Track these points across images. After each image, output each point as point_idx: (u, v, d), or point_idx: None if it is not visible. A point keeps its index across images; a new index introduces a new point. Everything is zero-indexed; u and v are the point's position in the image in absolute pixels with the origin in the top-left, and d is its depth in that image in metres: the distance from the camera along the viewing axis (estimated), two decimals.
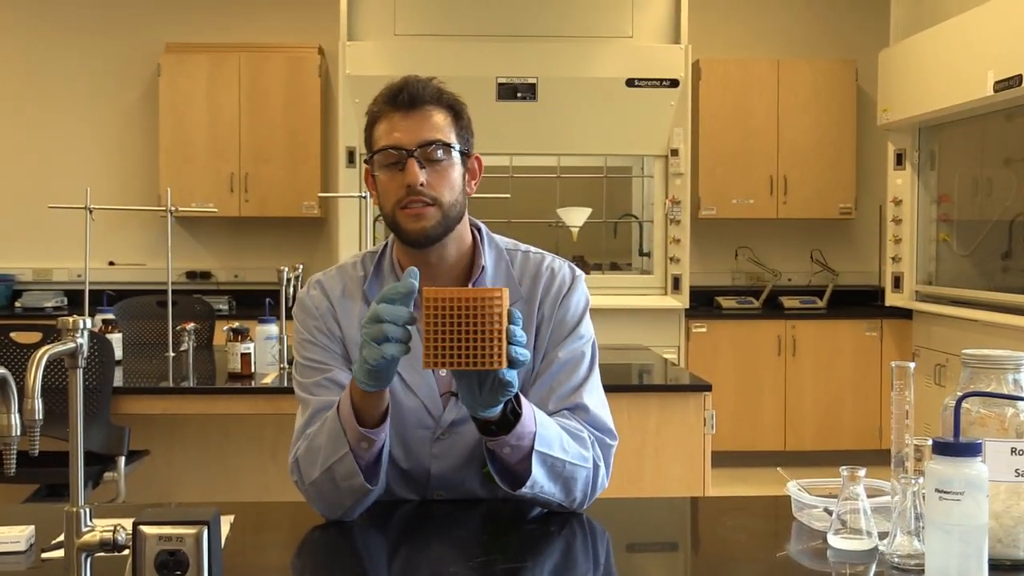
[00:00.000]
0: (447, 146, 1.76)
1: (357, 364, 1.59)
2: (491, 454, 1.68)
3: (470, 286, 1.84)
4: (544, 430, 1.67)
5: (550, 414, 1.77)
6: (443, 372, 1.75)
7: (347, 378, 1.81)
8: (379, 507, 1.81)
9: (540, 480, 1.67)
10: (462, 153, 1.80)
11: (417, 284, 1.53)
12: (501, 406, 1.58)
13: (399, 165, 1.74)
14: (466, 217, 1.85)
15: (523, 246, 1.94)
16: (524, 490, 1.67)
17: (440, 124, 1.77)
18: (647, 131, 6.22)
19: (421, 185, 1.73)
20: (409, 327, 1.53)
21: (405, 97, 1.75)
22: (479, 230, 1.90)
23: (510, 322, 1.48)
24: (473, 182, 1.85)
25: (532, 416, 1.65)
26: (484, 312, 1.45)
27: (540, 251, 1.93)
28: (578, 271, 1.92)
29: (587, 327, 1.88)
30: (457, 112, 1.81)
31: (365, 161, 1.82)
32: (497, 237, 1.93)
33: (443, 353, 1.45)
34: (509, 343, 1.47)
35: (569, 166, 6.78)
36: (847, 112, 6.84)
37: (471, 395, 1.54)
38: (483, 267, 1.85)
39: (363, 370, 1.57)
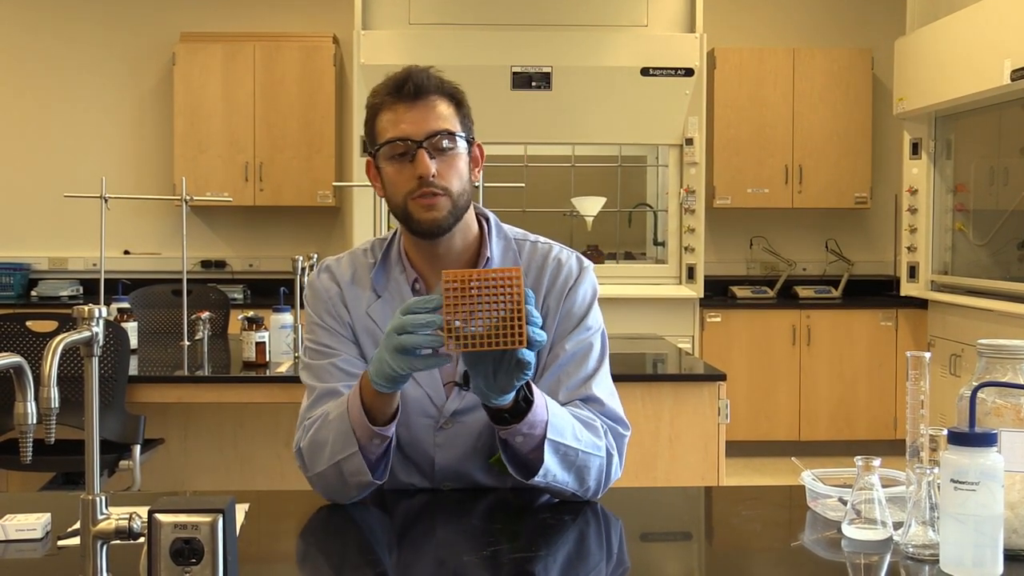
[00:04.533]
0: (453, 135, 1.75)
1: (375, 367, 1.59)
2: (503, 443, 1.68)
3: None
4: (556, 419, 1.66)
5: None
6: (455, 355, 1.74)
7: (353, 365, 1.80)
8: (391, 496, 1.81)
9: (553, 469, 1.67)
10: (467, 141, 1.79)
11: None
12: (514, 393, 1.57)
13: (408, 156, 1.73)
14: (472, 207, 1.84)
15: (532, 236, 1.93)
16: (537, 479, 1.67)
17: (445, 114, 1.76)
18: (662, 120, 6.20)
19: (432, 176, 1.72)
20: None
21: (411, 88, 1.74)
22: (487, 219, 1.89)
23: (525, 302, 1.47)
24: (477, 170, 1.84)
25: (544, 404, 1.65)
26: (504, 290, 1.44)
27: (548, 241, 1.92)
28: (586, 262, 1.90)
29: (595, 318, 1.86)
30: (459, 101, 1.80)
31: (369, 154, 1.81)
32: (507, 227, 1.92)
33: (465, 334, 1.44)
34: (527, 323, 1.47)
35: (584, 155, 6.77)
36: (863, 101, 6.80)
37: (486, 380, 1.54)
38: (488, 257, 1.84)
39: (383, 375, 1.57)
